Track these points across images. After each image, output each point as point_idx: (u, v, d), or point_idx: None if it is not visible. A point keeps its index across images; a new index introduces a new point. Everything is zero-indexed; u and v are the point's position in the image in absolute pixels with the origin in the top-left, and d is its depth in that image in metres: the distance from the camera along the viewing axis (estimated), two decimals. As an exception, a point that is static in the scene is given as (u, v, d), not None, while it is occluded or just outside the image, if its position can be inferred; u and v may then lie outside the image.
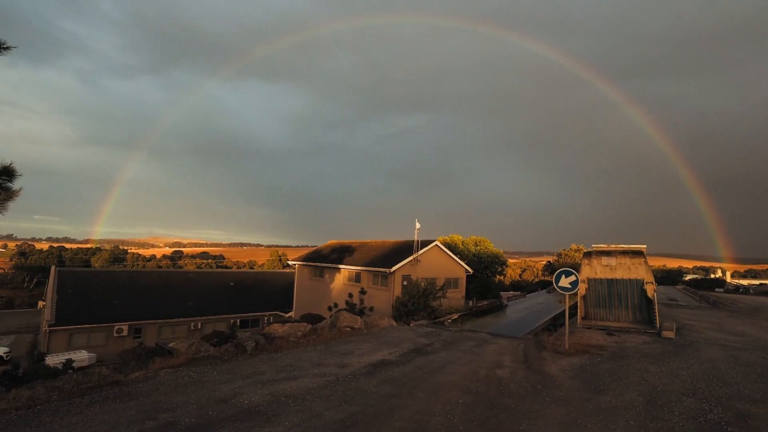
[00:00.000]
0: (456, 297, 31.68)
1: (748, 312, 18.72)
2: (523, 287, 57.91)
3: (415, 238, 28.94)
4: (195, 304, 33.23)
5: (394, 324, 14.13)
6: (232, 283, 39.50)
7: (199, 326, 31.23)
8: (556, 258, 57.05)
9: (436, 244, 32.14)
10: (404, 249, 31.10)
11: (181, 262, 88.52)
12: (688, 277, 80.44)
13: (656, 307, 12.29)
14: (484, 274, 40.30)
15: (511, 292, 44.21)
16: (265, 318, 34.61)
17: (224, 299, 36.12)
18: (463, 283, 35.02)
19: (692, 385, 6.60)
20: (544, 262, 77.21)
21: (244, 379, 6.48)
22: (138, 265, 74.79)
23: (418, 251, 28.70)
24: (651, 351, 9.39)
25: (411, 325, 14.10)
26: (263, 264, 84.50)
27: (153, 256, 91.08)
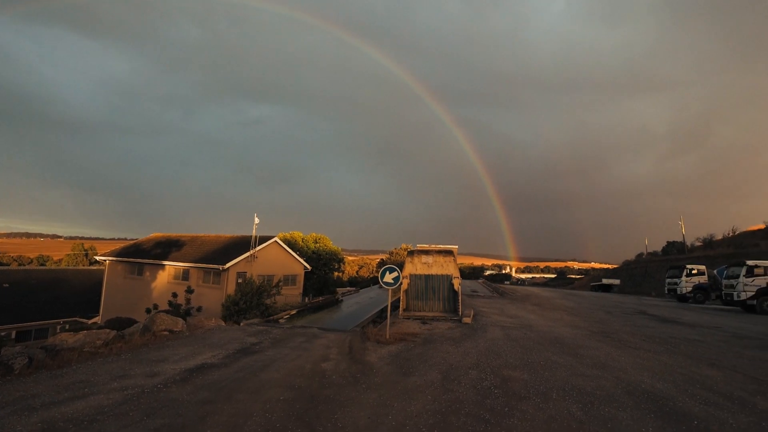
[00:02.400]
0: (293, 294, 31.53)
1: (521, 299, 24.05)
2: (359, 283, 61.24)
3: (253, 233, 27.67)
4: (-64, 313, 24.73)
5: (223, 324, 13.22)
6: (6, 285, 30.60)
7: (-58, 343, 23.15)
8: (388, 256, 62.31)
9: (276, 241, 31.38)
10: (241, 244, 29.41)
11: None
12: (487, 273, 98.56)
13: (460, 298, 14.67)
14: (323, 271, 41.24)
15: (348, 288, 46.19)
16: (59, 326, 28.00)
17: (-11, 305, 27.79)
18: (301, 279, 35.05)
19: (477, 360, 8.12)
20: (378, 260, 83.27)
21: (3, 408, 5.11)
22: None
23: (255, 247, 27.50)
24: (453, 335, 11.16)
25: (241, 324, 13.43)
26: (61, 260, 68.48)
27: None
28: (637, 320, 16.30)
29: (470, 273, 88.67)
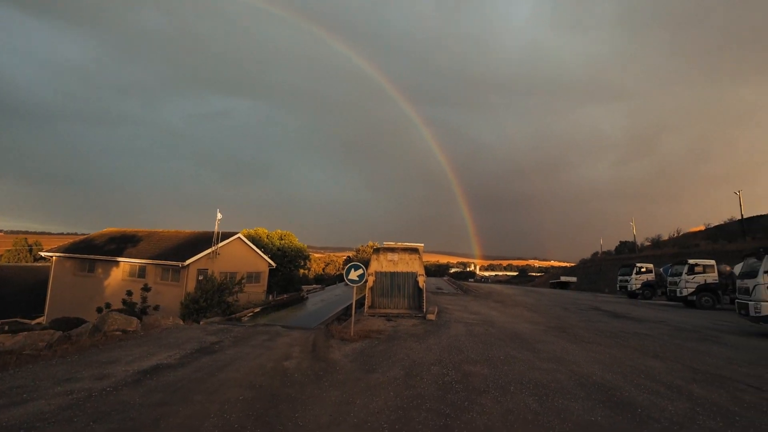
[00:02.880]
0: (257, 291, 30.88)
1: (483, 296, 24.70)
2: (325, 280, 60.79)
3: (216, 229, 26.85)
4: None
5: (181, 323, 12.74)
6: (-67, 282, 28.14)
7: None
8: (355, 253, 62.22)
9: (239, 237, 30.59)
10: (203, 241, 28.47)
11: None
12: (452, 271, 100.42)
13: (424, 295, 14.86)
14: (288, 268, 40.63)
15: (313, 286, 45.79)
16: (-6, 328, 25.95)
17: None
18: (265, 276, 34.39)
19: (439, 356, 8.26)
20: (345, 257, 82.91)
21: (-71, 416, 4.69)
22: None
23: (217, 243, 26.68)
24: (417, 331, 11.29)
25: (201, 323, 12.99)
26: (1, 255, 63.63)
27: None
28: (592, 316, 17.14)
29: (436, 271, 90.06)
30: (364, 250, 58.98)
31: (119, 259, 27.34)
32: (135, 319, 11.00)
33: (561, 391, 6.11)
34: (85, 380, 6.17)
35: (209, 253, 26.14)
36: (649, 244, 51.59)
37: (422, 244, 20.79)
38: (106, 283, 27.57)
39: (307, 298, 28.47)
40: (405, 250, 15.15)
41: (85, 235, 37.71)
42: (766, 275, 12.45)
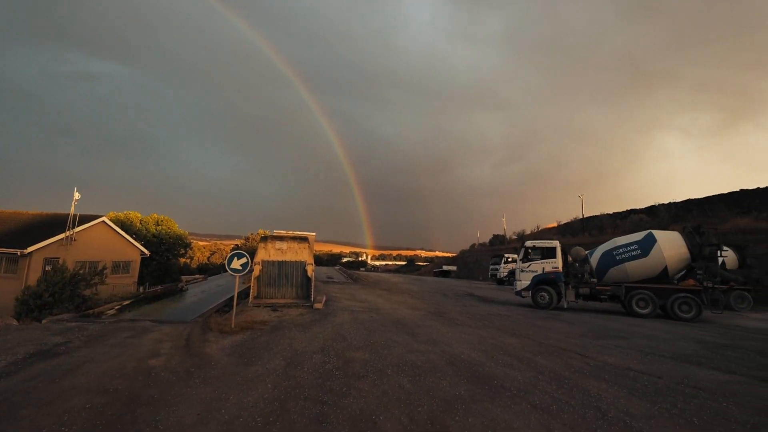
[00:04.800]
0: (125, 283, 27.38)
1: (372, 285, 25.56)
2: (209, 270, 56.53)
3: (71, 211, 22.86)
4: None
5: (15, 323, 10.60)
6: None
7: None
8: (244, 242, 58.95)
9: (104, 221, 26.65)
10: (54, 224, 24.05)
11: None
12: (345, 260, 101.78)
13: (313, 284, 14.74)
14: (165, 257, 36.71)
15: (195, 276, 42.19)
16: None
17: None
18: (136, 266, 30.66)
19: (323, 345, 8.28)
20: (233, 245, 78.04)
21: None
22: None
23: (73, 228, 22.78)
24: (302, 321, 11.16)
25: (44, 322, 10.96)
26: None
27: None
28: (466, 301, 18.98)
29: (328, 260, 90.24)
30: (254, 239, 56.13)
31: (-76, 244, 21.47)
32: (-57, 320, 8.78)
33: (433, 371, 6.63)
34: None
35: (62, 239, 22.10)
36: (515, 237, 59.02)
37: (314, 234, 20.60)
38: None
39: (186, 289, 26.03)
40: (294, 239, 14.80)
41: None
42: (521, 263, 17.55)
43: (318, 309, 13.27)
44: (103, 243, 26.17)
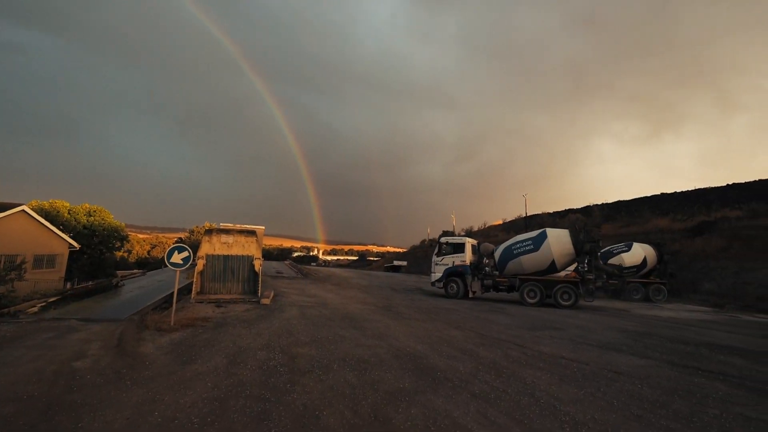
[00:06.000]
0: (50, 279, 25.14)
1: (322, 279, 25.32)
2: (149, 264, 53.33)
3: (-17, 198, 20.49)
4: None
5: None
6: None
7: None
8: (188, 235, 56.11)
9: (23, 210, 24.27)
10: (-42, 213, 21.51)
11: None
12: (295, 255, 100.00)
13: (260, 279, 14.33)
14: (98, 250, 34.02)
15: (133, 271, 39.55)
16: None
17: None
18: (63, 260, 28.27)
19: (268, 341, 8.08)
20: (176, 238, 74.03)
21: None
22: None
23: (-16, 217, 20.50)
24: (248, 317, 10.81)
25: (-54, 322, 9.75)
26: None
27: None
28: (414, 295, 19.36)
29: (278, 254, 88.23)
30: (199, 232, 53.49)
31: None
32: None
33: (379, 365, 6.70)
34: None
35: (-30, 229, 19.76)
36: (463, 233, 61.06)
37: (263, 227, 19.99)
38: None
39: (122, 285, 24.33)
40: (242, 232, 14.27)
41: None
42: (435, 257, 19.94)
43: (265, 304, 12.92)
44: (22, 234, 23.76)
